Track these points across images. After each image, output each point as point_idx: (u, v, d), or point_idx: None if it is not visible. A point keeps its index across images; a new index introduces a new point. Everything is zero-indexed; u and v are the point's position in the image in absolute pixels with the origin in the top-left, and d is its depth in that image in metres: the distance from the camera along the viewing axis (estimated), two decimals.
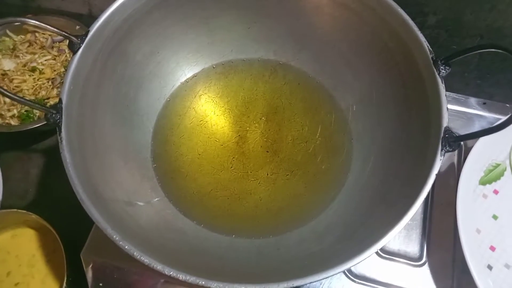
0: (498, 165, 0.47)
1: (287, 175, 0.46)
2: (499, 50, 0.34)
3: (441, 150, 0.35)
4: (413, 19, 0.55)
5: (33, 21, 0.37)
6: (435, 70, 0.38)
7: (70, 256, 0.47)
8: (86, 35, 0.39)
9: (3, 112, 0.61)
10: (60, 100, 0.37)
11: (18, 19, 0.38)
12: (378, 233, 0.34)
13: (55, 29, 0.38)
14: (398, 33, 0.41)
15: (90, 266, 0.45)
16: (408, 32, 0.40)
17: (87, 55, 0.39)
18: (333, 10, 0.46)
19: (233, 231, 0.43)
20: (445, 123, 0.36)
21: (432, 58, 0.38)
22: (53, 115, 0.36)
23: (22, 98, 0.36)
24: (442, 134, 0.35)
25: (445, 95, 0.37)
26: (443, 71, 0.38)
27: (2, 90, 0.33)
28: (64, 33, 0.38)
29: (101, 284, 0.45)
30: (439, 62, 0.38)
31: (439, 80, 0.37)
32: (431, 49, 0.39)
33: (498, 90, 0.63)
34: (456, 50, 0.58)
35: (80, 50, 0.39)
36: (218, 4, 0.47)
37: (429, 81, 0.38)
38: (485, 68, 0.61)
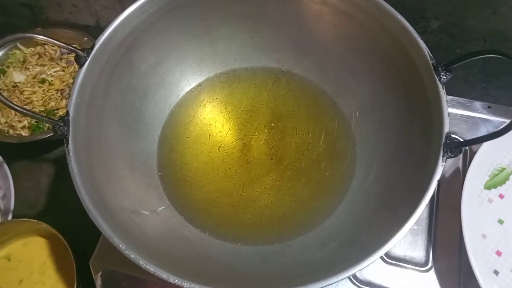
0: (503, 169, 0.46)
1: (291, 182, 0.46)
2: (498, 56, 0.35)
3: (443, 156, 0.35)
4: (415, 24, 0.56)
5: (40, 37, 0.38)
6: (435, 76, 0.38)
7: (79, 264, 0.48)
8: (92, 48, 0.40)
9: (14, 123, 0.63)
10: (67, 113, 0.38)
11: (26, 35, 0.39)
12: (381, 239, 0.34)
13: (62, 43, 0.39)
14: (398, 40, 0.41)
15: (99, 274, 0.46)
16: (408, 39, 0.40)
17: (93, 67, 0.40)
18: (333, 17, 0.46)
19: (238, 239, 0.43)
20: (446, 129, 0.36)
21: (432, 64, 0.38)
22: (61, 128, 0.36)
23: (29, 111, 0.37)
24: (443, 140, 0.36)
25: (447, 101, 0.37)
26: (444, 77, 0.38)
27: (10, 104, 0.34)
28: (70, 47, 0.39)
29: None
30: (439, 68, 0.38)
31: (440, 86, 0.37)
32: (431, 55, 0.39)
33: (504, 93, 0.63)
34: (459, 54, 0.58)
35: (86, 63, 0.40)
36: (220, 14, 0.48)
37: (430, 87, 0.38)
38: (490, 72, 0.61)
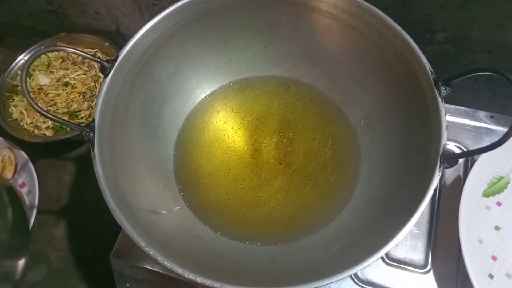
0: (502, 177, 0.48)
1: (299, 186, 0.49)
2: (494, 74, 0.37)
3: (440, 166, 0.37)
4: (422, 35, 0.58)
5: (70, 49, 0.41)
6: (436, 90, 0.40)
7: (99, 257, 0.51)
8: (115, 59, 0.43)
9: (39, 124, 0.67)
10: (93, 119, 0.41)
11: (57, 48, 0.42)
12: (381, 242, 0.36)
13: (88, 55, 0.42)
14: (402, 54, 0.44)
15: (118, 267, 0.49)
16: (411, 54, 0.42)
17: (117, 77, 0.44)
18: (342, 31, 0.48)
19: (248, 238, 0.46)
20: (444, 141, 0.38)
21: (433, 78, 0.40)
22: (87, 133, 0.40)
23: (63, 119, 0.40)
24: (441, 151, 0.38)
25: (445, 115, 0.39)
26: (444, 91, 0.40)
27: (49, 115, 0.38)
28: (95, 58, 0.43)
29: (127, 284, 0.50)
30: (439, 83, 0.40)
31: (440, 99, 0.40)
32: (432, 70, 0.41)
33: (509, 102, 0.64)
34: (465, 65, 0.61)
35: (111, 73, 0.43)
36: (236, 26, 0.51)
37: (431, 100, 0.40)
38: (495, 81, 0.62)
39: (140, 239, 0.36)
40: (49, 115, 0.39)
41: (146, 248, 0.36)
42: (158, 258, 0.35)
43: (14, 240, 0.60)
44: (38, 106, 0.38)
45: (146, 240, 0.36)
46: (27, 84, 0.70)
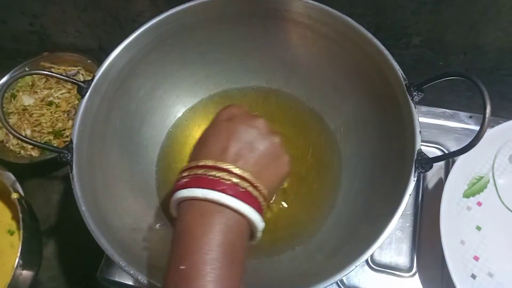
0: (481, 177, 0.49)
1: (281, 196, 0.49)
2: (461, 78, 0.38)
3: (414, 171, 0.38)
4: (397, 40, 0.59)
5: (45, 72, 0.42)
6: (408, 96, 0.41)
7: (89, 274, 0.51)
8: (92, 80, 0.44)
9: (24, 145, 0.67)
10: (71, 141, 0.41)
11: (31, 72, 0.43)
12: (361, 249, 0.37)
13: (65, 77, 0.43)
14: (376, 62, 0.44)
15: (105, 286, 0.49)
16: (383, 60, 0.43)
17: (94, 97, 0.44)
18: (317, 41, 0.49)
19: None
20: (418, 146, 0.39)
21: (405, 84, 0.41)
22: (65, 155, 0.40)
23: (39, 143, 0.41)
24: (415, 156, 0.38)
25: (418, 120, 0.40)
26: (416, 97, 0.40)
27: (26, 139, 0.39)
28: (72, 79, 0.43)
29: None
30: (412, 89, 0.41)
31: (412, 105, 0.40)
32: (404, 76, 0.42)
33: (490, 101, 0.65)
34: (442, 67, 0.61)
35: (87, 94, 0.43)
36: (212, 40, 0.51)
37: (404, 106, 0.41)
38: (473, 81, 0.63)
39: (120, 258, 0.36)
40: (25, 139, 0.39)
41: (126, 268, 0.36)
42: (139, 277, 0.36)
43: None
44: (14, 131, 0.39)
45: (126, 259, 0.37)
46: (11, 105, 0.71)
